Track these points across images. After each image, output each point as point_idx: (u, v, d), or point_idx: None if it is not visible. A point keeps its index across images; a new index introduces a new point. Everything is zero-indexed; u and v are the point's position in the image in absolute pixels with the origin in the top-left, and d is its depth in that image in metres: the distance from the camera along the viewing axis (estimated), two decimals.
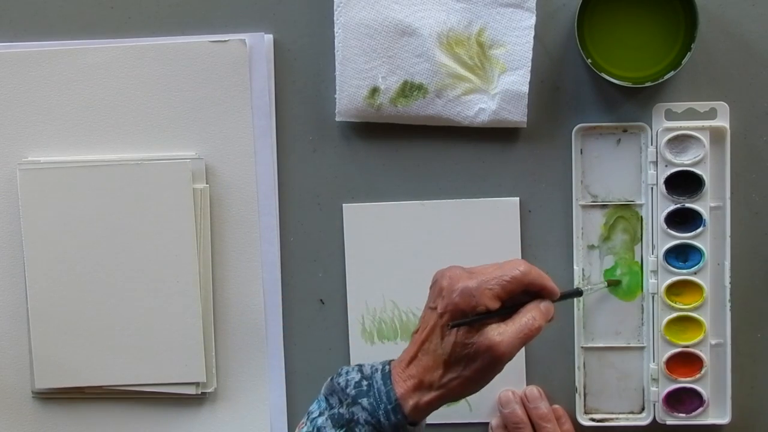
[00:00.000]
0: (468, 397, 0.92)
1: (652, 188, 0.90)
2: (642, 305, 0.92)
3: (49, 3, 0.93)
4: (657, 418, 0.91)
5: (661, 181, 0.89)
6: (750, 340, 0.92)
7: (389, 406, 0.75)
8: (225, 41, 0.91)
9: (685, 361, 0.91)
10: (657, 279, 0.90)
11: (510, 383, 0.92)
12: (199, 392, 0.93)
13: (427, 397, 0.76)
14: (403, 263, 0.92)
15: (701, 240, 0.89)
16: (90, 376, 0.93)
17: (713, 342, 0.91)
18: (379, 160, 0.93)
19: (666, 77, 0.87)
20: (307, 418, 0.78)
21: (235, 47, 0.91)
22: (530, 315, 0.76)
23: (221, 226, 0.93)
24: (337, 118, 0.91)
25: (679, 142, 0.89)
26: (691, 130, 0.89)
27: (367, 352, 0.93)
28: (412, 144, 0.92)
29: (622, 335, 0.92)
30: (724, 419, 0.91)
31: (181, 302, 0.92)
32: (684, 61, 0.86)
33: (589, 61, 0.87)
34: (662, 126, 0.89)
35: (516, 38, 0.89)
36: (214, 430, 0.94)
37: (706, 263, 0.90)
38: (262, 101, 0.92)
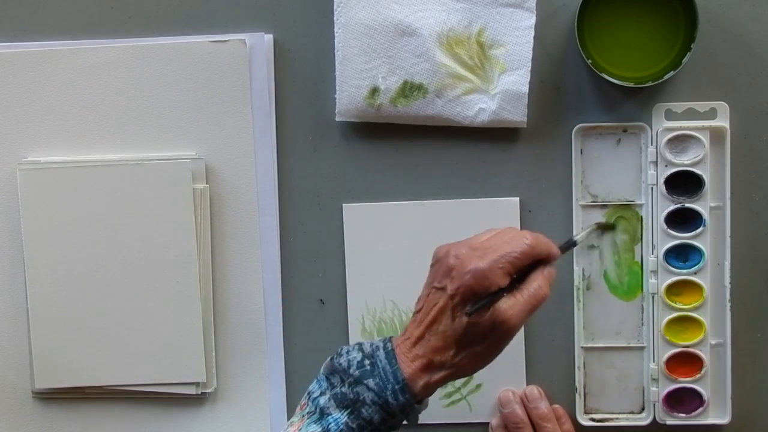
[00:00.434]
0: (468, 397, 0.93)
1: (652, 188, 0.90)
2: (642, 305, 0.92)
3: (49, 3, 0.93)
4: (657, 418, 0.91)
5: (661, 181, 0.89)
6: (750, 340, 0.92)
7: (396, 386, 0.74)
8: (225, 41, 0.91)
9: (685, 361, 0.91)
10: (657, 279, 0.90)
11: (510, 383, 0.92)
12: (199, 392, 0.93)
13: (437, 376, 0.75)
14: (403, 263, 0.92)
15: (701, 240, 0.89)
16: (90, 376, 0.92)
17: (713, 342, 0.91)
18: (379, 160, 0.93)
19: (666, 77, 0.87)
20: (308, 398, 0.77)
21: (235, 47, 0.91)
22: (536, 284, 0.75)
23: (221, 226, 0.93)
24: (337, 118, 0.91)
25: (679, 142, 0.89)
26: (691, 130, 0.89)
27: None
28: (412, 144, 0.92)
29: (622, 335, 0.92)
30: (724, 419, 0.91)
31: (181, 302, 0.92)
32: (684, 61, 0.86)
33: (589, 61, 0.87)
34: (662, 126, 0.89)
35: (516, 38, 0.89)
36: (214, 430, 0.94)
37: (706, 263, 0.90)
38: (262, 101, 0.92)
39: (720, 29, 0.89)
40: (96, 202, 0.91)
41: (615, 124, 0.90)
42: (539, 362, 0.93)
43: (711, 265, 0.90)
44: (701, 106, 0.90)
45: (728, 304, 0.90)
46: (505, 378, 0.92)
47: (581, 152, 0.91)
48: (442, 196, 0.92)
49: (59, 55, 0.92)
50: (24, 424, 0.94)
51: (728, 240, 0.90)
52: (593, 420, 0.93)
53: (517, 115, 0.89)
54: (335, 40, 0.90)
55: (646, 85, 0.87)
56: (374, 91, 0.90)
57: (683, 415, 0.91)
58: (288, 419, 0.93)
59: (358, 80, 0.90)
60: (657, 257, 0.90)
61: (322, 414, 0.75)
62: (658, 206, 0.90)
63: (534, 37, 0.89)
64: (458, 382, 0.92)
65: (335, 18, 0.90)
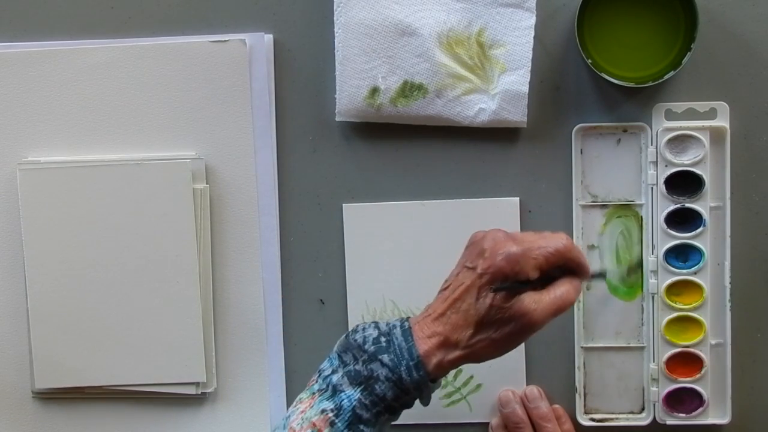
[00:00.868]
0: (468, 397, 0.93)
1: (652, 188, 0.90)
2: (642, 305, 0.92)
3: (49, 3, 0.93)
4: (657, 418, 0.91)
5: (661, 181, 0.89)
6: (750, 340, 0.92)
7: (411, 363, 0.74)
8: (225, 41, 0.91)
9: (685, 361, 0.91)
10: (657, 279, 0.90)
11: (510, 383, 0.92)
12: (199, 392, 0.93)
13: (452, 355, 0.75)
14: (403, 263, 0.92)
15: (701, 240, 0.89)
16: (90, 376, 0.93)
17: (713, 342, 0.91)
18: (379, 160, 0.93)
19: (666, 77, 0.87)
20: (319, 376, 0.77)
21: (235, 47, 0.91)
22: (564, 288, 0.76)
23: (221, 226, 0.93)
24: (337, 118, 0.91)
25: (679, 142, 0.89)
26: (691, 130, 0.89)
27: None
28: (412, 144, 0.92)
29: (622, 335, 0.92)
30: (724, 419, 0.91)
31: (181, 302, 0.92)
32: (684, 61, 0.86)
33: (589, 61, 0.87)
34: (662, 126, 0.89)
35: (516, 38, 0.89)
36: (214, 430, 0.94)
37: (706, 263, 0.90)
38: (262, 101, 0.92)
39: (720, 29, 0.89)
40: (96, 202, 0.91)
41: (615, 124, 0.90)
42: (539, 362, 0.93)
43: (711, 265, 0.90)
44: (701, 106, 0.90)
45: (728, 304, 0.90)
46: (505, 378, 0.92)
47: (581, 152, 0.91)
48: (442, 196, 0.92)
49: (59, 55, 0.92)
50: (24, 424, 0.94)
51: (728, 240, 0.90)
52: (593, 420, 0.93)
53: (517, 115, 0.90)
54: (335, 40, 0.90)
55: (646, 85, 0.87)
56: (374, 91, 0.90)
57: (683, 415, 0.91)
58: None
59: (358, 80, 0.90)
60: (657, 257, 0.90)
61: (335, 391, 0.75)
62: (658, 206, 0.90)
63: (534, 37, 0.89)
64: (458, 382, 0.92)
65: (335, 18, 0.90)
